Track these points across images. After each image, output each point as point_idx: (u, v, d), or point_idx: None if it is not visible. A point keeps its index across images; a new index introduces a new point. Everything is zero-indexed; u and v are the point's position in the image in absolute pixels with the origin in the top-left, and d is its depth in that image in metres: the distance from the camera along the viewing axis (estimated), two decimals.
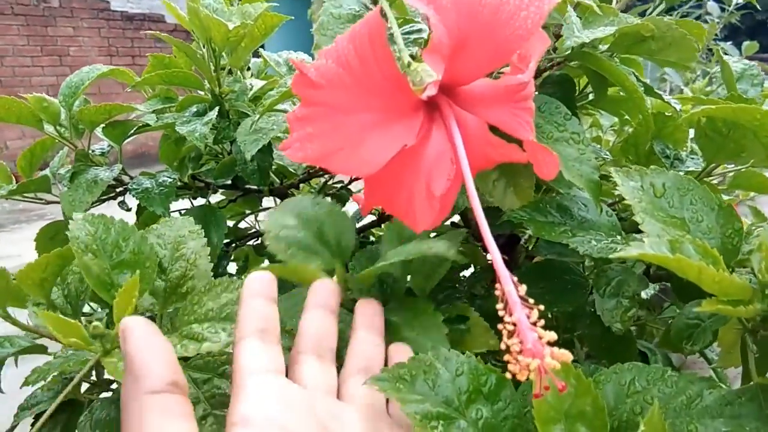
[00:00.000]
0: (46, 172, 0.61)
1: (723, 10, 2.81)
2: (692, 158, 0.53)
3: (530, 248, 0.54)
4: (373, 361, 0.32)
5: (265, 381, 0.27)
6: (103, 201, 0.60)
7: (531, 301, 0.23)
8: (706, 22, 2.92)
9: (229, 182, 0.64)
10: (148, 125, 0.58)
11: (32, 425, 0.44)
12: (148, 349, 0.26)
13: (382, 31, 0.22)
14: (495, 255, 0.24)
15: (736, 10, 2.88)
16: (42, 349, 0.41)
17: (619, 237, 0.38)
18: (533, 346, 0.22)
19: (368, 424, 0.29)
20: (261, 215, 0.84)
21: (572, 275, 0.43)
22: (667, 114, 0.53)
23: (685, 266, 0.24)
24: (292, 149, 0.22)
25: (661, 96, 0.49)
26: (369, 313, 0.35)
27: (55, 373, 0.37)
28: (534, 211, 0.42)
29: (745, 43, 2.37)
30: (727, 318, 0.31)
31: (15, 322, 0.38)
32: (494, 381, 0.28)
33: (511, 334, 0.22)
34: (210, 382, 0.37)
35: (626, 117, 0.56)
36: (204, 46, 0.58)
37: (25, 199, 0.62)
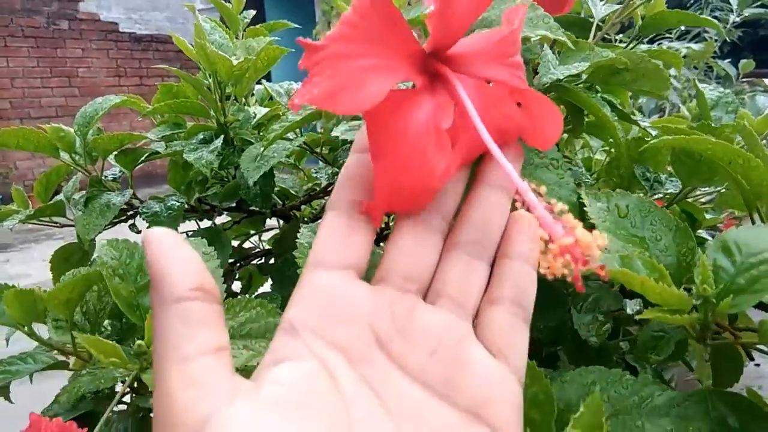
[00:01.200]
0: (61, 197, 0.64)
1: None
2: (671, 181, 0.56)
3: None
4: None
5: (332, 282, 0.23)
6: (115, 224, 0.63)
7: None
8: (705, 39, 2.97)
9: (234, 204, 0.68)
10: (157, 152, 0.62)
11: None
12: (169, 256, 0.22)
13: None
14: (508, 168, 0.23)
15: (734, 27, 2.92)
16: (64, 366, 0.44)
17: None
18: (561, 231, 0.21)
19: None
20: (264, 236, 0.87)
21: (553, 293, 0.46)
22: (646, 139, 0.57)
23: (630, 279, 0.27)
24: (299, 96, 0.21)
25: (637, 123, 0.52)
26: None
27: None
28: None
29: (742, 61, 2.41)
30: (684, 330, 0.34)
31: (39, 339, 0.41)
32: None
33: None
34: None
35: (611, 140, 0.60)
36: (210, 77, 0.61)
37: (41, 223, 0.65)
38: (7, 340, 0.74)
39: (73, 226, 0.67)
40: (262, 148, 0.50)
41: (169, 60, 7.16)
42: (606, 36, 0.55)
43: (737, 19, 2.81)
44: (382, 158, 0.24)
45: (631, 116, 0.53)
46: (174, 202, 0.61)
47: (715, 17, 2.95)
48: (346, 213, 0.24)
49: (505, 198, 0.26)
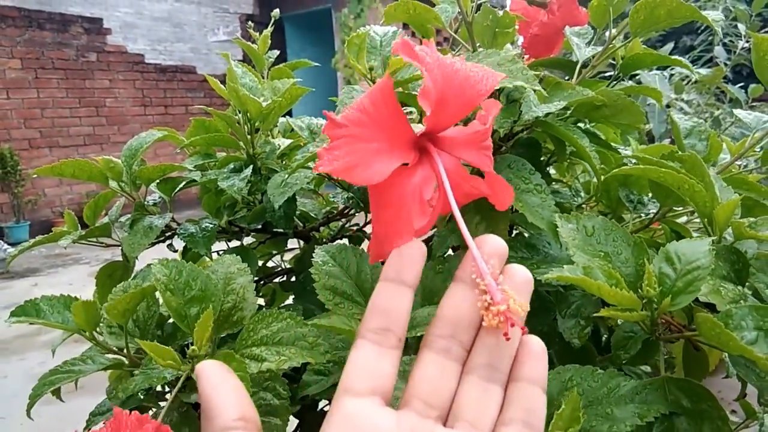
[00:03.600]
0: (106, 219, 0.72)
1: (730, 53, 2.91)
2: (653, 202, 0.63)
3: None
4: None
5: (359, 409, 0.26)
6: (155, 244, 0.71)
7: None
8: (716, 65, 3.02)
9: (260, 226, 0.75)
10: (194, 180, 0.69)
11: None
12: (218, 390, 0.27)
13: (391, 88, 0.31)
14: (466, 234, 0.31)
15: (744, 52, 2.97)
16: (118, 366, 0.51)
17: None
18: (501, 298, 0.28)
19: None
20: (286, 255, 0.95)
21: (541, 301, 0.52)
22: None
23: (588, 284, 0.33)
24: (322, 165, 0.29)
25: (618, 151, 0.58)
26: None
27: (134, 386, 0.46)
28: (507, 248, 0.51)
29: (751, 86, 2.46)
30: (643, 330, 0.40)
31: (100, 344, 0.48)
32: None
33: (483, 293, 0.29)
34: (257, 395, 0.46)
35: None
36: (239, 113, 0.69)
37: (90, 243, 0.73)
38: (53, 351, 0.81)
39: (114, 245, 0.75)
40: (287, 176, 0.58)
41: (193, 89, 7.39)
42: (602, 71, 0.62)
43: (746, 45, 2.86)
44: (378, 215, 0.33)
45: (611, 145, 0.59)
46: (208, 224, 0.69)
47: (725, 43, 3.01)
48: (374, 340, 0.27)
49: (518, 330, 0.29)
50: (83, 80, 6.45)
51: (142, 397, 0.53)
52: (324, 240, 0.88)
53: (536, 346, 0.29)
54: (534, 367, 0.28)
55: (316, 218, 0.81)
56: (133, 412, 0.37)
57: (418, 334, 0.44)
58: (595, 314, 0.34)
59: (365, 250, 0.51)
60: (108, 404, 0.54)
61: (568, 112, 0.58)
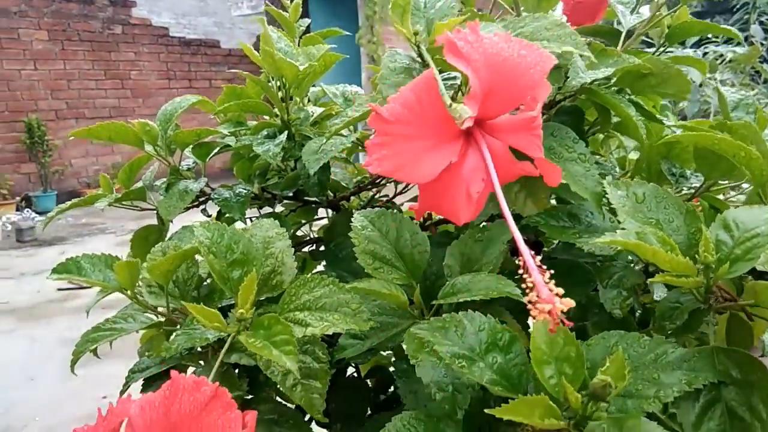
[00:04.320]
0: (140, 184, 0.73)
1: (766, 32, 2.82)
2: (696, 176, 0.61)
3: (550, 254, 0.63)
4: None
5: None
6: (189, 209, 0.71)
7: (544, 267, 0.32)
8: (752, 44, 2.93)
9: (291, 194, 0.75)
10: (229, 145, 0.69)
11: (142, 388, 0.54)
12: None
13: (435, 84, 0.32)
14: (516, 234, 0.33)
15: None
16: (158, 325, 0.51)
17: None
18: (547, 296, 0.31)
19: None
20: (314, 226, 0.95)
21: (581, 272, 0.52)
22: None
23: (643, 250, 0.32)
24: (371, 166, 0.32)
25: (662, 122, 0.57)
26: None
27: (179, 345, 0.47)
28: (549, 217, 0.51)
29: None
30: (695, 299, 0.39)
31: (141, 303, 0.49)
32: (508, 337, 0.37)
33: (530, 290, 0.31)
34: None
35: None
36: (273, 80, 0.69)
37: (123, 206, 0.74)
38: (88, 312, 0.83)
39: (148, 210, 0.76)
40: (324, 141, 0.57)
41: (217, 63, 7.39)
42: (648, 40, 0.60)
43: None
44: (428, 205, 0.37)
45: (657, 117, 0.58)
46: (242, 190, 0.69)
47: (761, 22, 2.91)
48: None
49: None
50: (109, 53, 6.49)
51: (180, 355, 0.54)
52: (354, 210, 0.87)
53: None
54: None
55: (346, 187, 0.81)
56: (189, 375, 0.37)
57: (460, 300, 0.44)
58: (650, 280, 0.34)
59: (405, 216, 0.51)
60: (146, 362, 0.55)
61: (612, 81, 0.57)
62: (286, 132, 0.66)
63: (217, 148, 0.70)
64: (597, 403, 0.32)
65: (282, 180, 0.72)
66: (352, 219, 0.51)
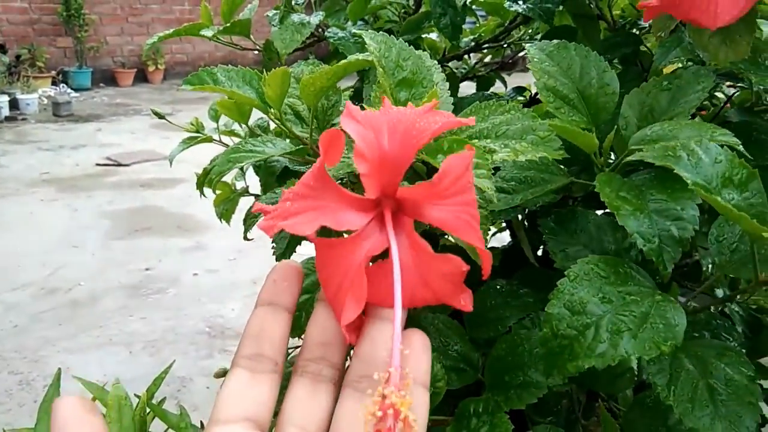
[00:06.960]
0: (245, 15, 0.66)
1: None
2: None
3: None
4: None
5: None
6: (300, 49, 0.65)
7: None
8: None
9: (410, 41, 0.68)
10: None
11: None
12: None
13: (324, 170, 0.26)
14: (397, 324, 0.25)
15: None
16: (302, 152, 0.46)
17: None
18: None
19: None
20: None
21: None
22: None
23: None
24: (270, 219, 0.26)
25: None
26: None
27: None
28: (752, 65, 0.44)
29: None
30: None
31: (286, 127, 0.44)
32: (745, 173, 0.32)
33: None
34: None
35: None
36: None
37: (225, 43, 0.68)
38: (171, 161, 0.79)
39: (249, 50, 0.70)
40: None
41: None
42: None
43: None
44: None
45: None
46: (357, 30, 0.62)
47: None
48: (248, 367, 0.26)
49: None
50: None
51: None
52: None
53: (418, 342, 0.26)
54: (416, 366, 0.25)
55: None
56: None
57: (657, 150, 0.38)
58: None
59: (592, 52, 0.44)
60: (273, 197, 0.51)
61: None
62: None
63: None
64: None
65: (401, 23, 0.64)
66: (528, 51, 0.44)
